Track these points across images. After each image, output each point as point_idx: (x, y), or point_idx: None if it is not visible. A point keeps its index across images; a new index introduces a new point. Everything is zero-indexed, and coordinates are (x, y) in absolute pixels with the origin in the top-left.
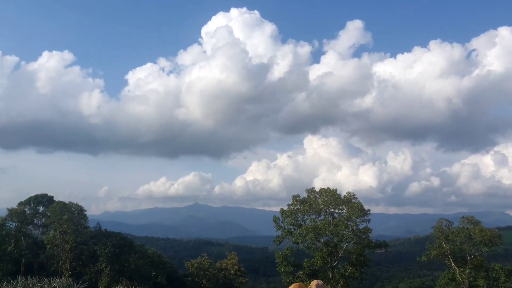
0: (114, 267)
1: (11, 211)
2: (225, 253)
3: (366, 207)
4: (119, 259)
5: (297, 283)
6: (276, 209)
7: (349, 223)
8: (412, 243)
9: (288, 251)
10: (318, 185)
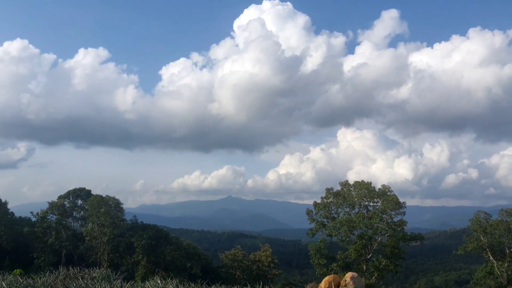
0: (150, 258)
1: (52, 205)
2: (258, 245)
3: (401, 200)
4: (155, 250)
5: (331, 275)
6: (309, 202)
7: (383, 216)
8: (448, 236)
9: (321, 243)
10: (352, 178)
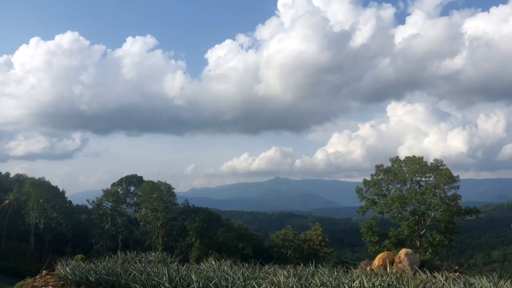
0: (203, 240)
1: (106, 192)
2: (308, 224)
3: (455, 174)
4: (207, 233)
5: (385, 252)
6: (359, 180)
7: (436, 190)
8: (505, 209)
9: (373, 221)
10: (403, 153)
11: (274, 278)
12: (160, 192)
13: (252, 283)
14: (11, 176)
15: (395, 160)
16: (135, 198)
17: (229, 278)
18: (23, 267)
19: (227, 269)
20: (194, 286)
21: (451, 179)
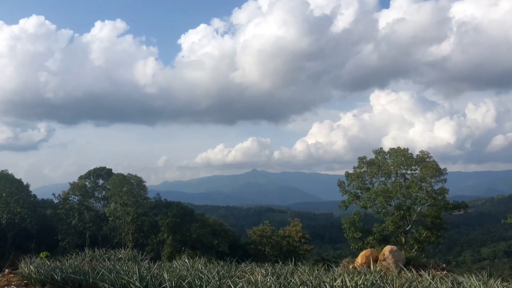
0: (175, 237)
1: (73, 186)
2: (287, 220)
3: (442, 166)
4: (180, 229)
5: (368, 249)
6: (341, 172)
7: (423, 184)
8: (495, 203)
9: (355, 216)
10: (387, 144)
11: (251, 277)
12: (131, 186)
13: (228, 282)
14: None
15: (379, 151)
16: (104, 192)
17: (203, 277)
18: None
19: (201, 267)
20: (166, 286)
21: (438, 172)
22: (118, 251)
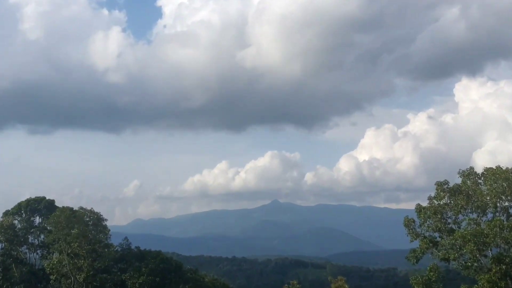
0: None
1: None
2: (326, 278)
3: None
4: None
5: None
6: (410, 206)
7: None
8: None
9: (432, 273)
10: (481, 163)
11: None
12: (84, 226)
13: None
14: None
15: (469, 173)
16: (42, 236)
17: None
18: None
19: None
20: None
21: None
22: None
